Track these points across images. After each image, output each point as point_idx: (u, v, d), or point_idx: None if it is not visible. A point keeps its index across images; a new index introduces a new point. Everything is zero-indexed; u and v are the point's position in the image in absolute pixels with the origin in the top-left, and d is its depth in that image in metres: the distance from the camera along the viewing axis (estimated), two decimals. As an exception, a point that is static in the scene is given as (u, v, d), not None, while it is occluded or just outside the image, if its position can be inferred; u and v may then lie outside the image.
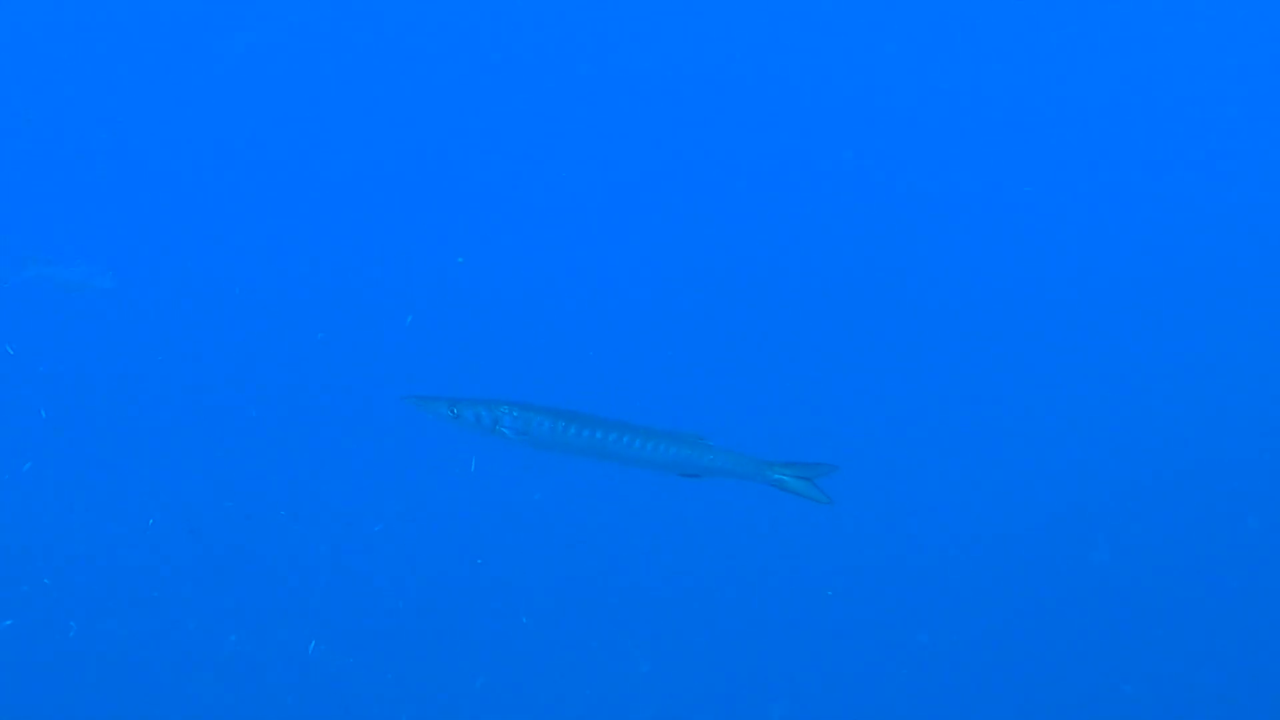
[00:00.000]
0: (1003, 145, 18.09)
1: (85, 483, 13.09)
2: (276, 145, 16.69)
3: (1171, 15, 18.49)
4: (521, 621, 12.63)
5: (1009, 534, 13.86)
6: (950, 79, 18.21)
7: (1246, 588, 13.54)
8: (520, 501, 13.41)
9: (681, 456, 7.02)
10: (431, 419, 7.12)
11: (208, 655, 12.16)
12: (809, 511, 7.60)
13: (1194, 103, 18.45)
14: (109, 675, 11.91)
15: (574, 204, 16.82)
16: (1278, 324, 16.18)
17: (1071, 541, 13.89)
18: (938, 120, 18.12)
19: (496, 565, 13.03)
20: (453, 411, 7.06)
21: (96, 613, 12.22)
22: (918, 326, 16.05)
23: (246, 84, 16.81)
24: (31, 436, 13.33)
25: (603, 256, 16.41)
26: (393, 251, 16.10)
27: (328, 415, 14.02)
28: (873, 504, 13.13)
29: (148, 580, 12.50)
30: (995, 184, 17.89)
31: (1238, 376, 15.63)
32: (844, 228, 16.91)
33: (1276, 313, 16.34)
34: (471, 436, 7.15)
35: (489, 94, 17.38)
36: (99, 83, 16.56)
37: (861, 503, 12.68)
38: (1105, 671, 12.95)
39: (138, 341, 14.56)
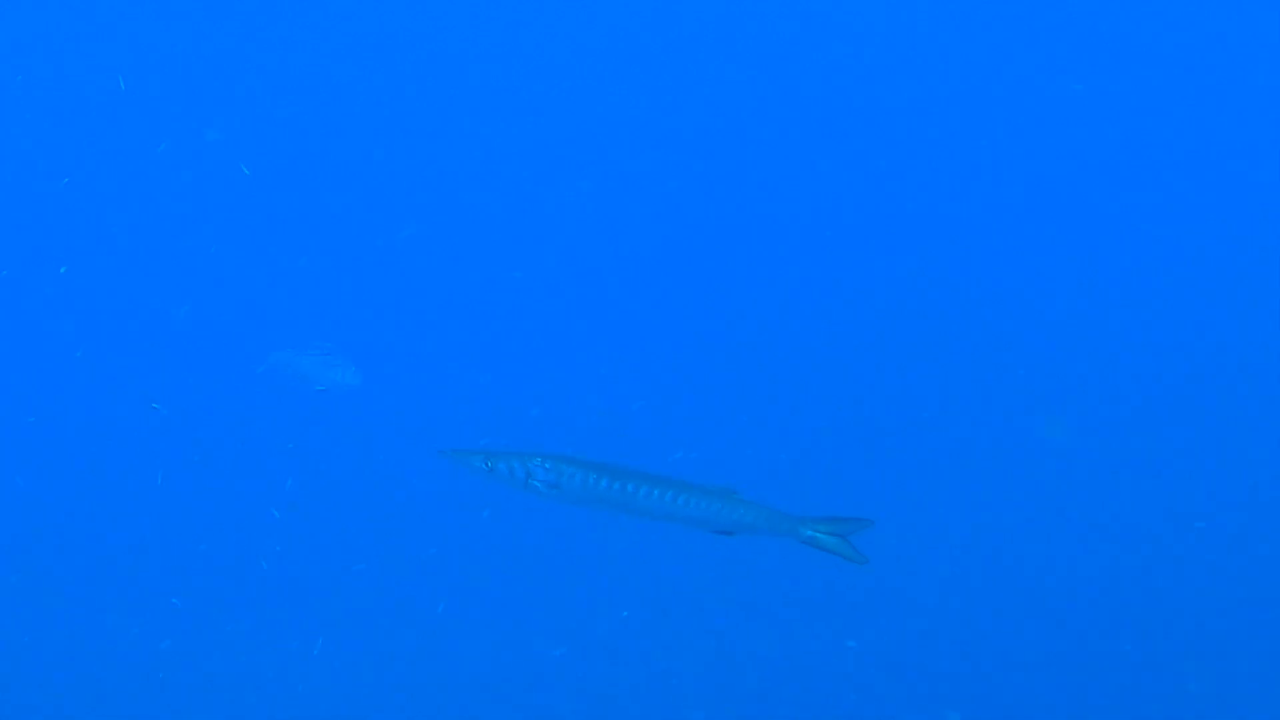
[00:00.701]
0: (1067, 197, 18.02)
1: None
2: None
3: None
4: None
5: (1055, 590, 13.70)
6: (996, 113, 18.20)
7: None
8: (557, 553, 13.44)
9: (713, 511, 6.98)
10: (467, 472, 7.15)
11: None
12: (842, 568, 7.52)
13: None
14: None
15: (601, 255, 16.97)
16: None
17: (1119, 590, 13.69)
18: (994, 165, 18.10)
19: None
20: (487, 465, 7.09)
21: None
22: (955, 370, 15.99)
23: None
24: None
25: (631, 304, 16.54)
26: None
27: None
28: (905, 559, 13.03)
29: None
30: (1053, 232, 17.80)
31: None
32: (882, 273, 16.91)
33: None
34: (506, 490, 7.17)
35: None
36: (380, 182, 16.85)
37: (895, 559, 12.57)
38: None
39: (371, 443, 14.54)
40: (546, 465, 6.99)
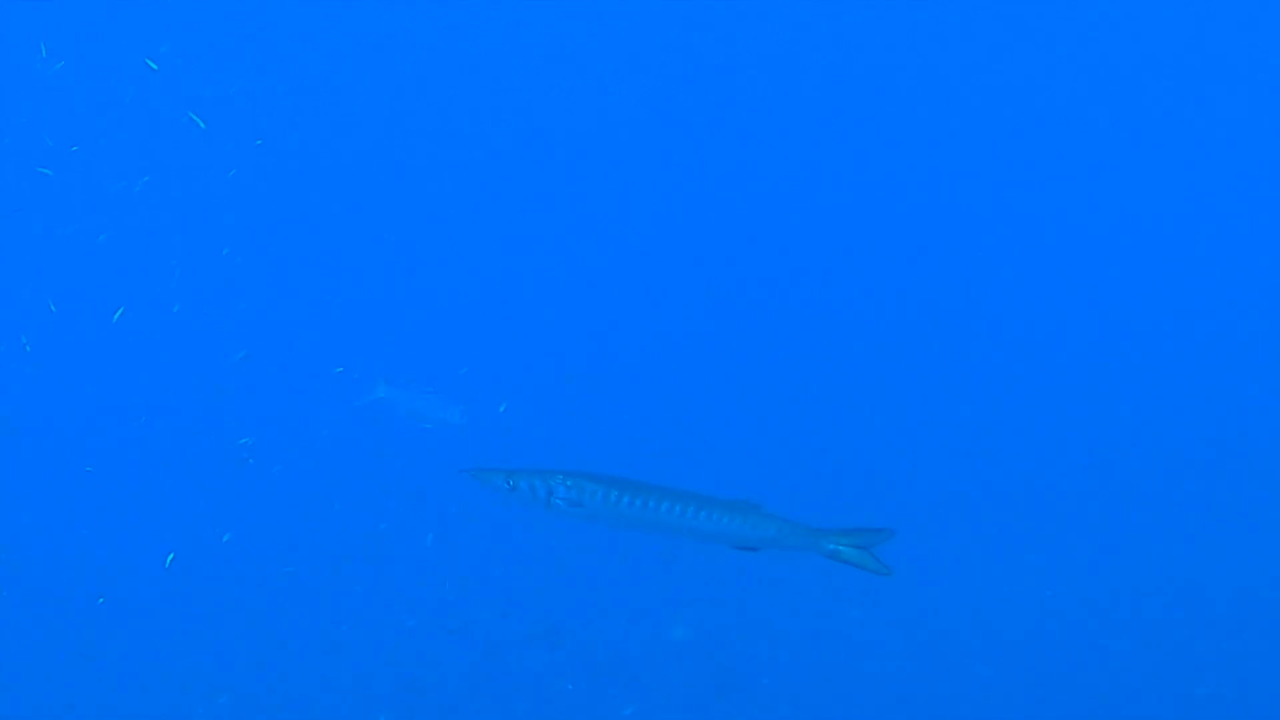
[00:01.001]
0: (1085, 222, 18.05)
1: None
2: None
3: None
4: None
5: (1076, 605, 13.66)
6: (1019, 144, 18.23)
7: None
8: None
9: (735, 526, 6.96)
10: (489, 492, 7.14)
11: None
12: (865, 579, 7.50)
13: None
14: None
15: (616, 272, 17.02)
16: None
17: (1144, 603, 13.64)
18: (1017, 187, 18.13)
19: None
20: (509, 484, 7.08)
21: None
22: (973, 381, 15.98)
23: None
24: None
25: (651, 321, 16.56)
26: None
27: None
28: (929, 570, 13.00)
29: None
30: (1074, 253, 17.81)
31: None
32: (903, 287, 16.92)
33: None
34: (527, 509, 7.16)
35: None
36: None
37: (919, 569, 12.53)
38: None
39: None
40: (568, 483, 6.99)
